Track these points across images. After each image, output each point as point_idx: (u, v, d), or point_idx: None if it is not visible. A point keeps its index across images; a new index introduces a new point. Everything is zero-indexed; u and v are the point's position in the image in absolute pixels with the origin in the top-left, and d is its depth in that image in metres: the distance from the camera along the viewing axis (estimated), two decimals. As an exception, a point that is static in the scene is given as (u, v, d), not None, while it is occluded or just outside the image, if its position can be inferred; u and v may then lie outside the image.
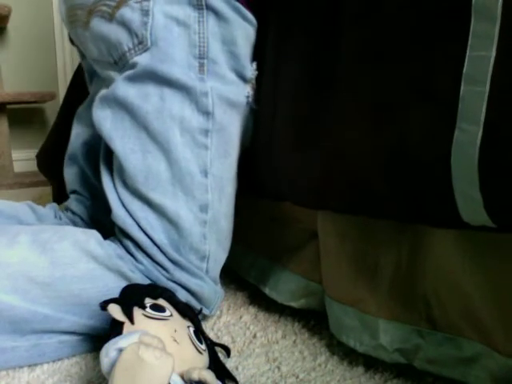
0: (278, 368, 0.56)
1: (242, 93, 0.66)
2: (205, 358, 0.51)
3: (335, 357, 0.59)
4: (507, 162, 0.36)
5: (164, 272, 0.62)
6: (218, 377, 0.48)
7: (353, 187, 0.49)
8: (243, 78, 0.66)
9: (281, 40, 0.62)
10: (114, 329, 0.49)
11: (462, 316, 0.48)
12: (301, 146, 0.56)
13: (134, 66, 0.63)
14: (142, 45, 0.63)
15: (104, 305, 0.51)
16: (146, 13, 0.62)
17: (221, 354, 0.57)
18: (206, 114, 0.63)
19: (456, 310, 0.48)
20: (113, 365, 0.41)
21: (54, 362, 0.58)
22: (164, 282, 0.62)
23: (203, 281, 0.64)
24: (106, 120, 0.64)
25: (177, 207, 0.62)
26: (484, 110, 0.37)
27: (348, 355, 0.59)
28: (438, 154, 0.40)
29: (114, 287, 0.57)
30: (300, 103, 0.57)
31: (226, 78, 0.64)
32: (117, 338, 0.45)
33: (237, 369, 0.56)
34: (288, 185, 0.59)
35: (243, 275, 0.81)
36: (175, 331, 0.50)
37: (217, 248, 0.66)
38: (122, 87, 0.63)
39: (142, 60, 0.62)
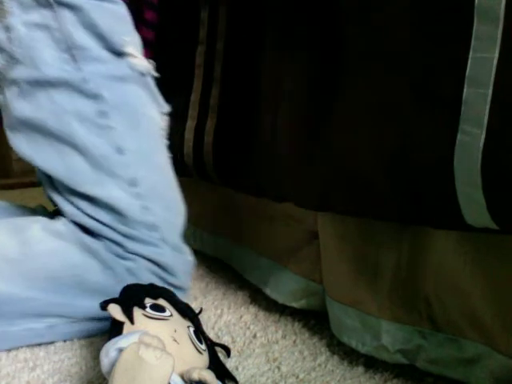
0: (278, 368, 0.56)
1: (125, 66, 0.68)
2: (205, 358, 0.51)
3: (335, 357, 0.59)
4: (511, 165, 0.36)
5: (119, 247, 0.65)
6: (218, 377, 0.48)
7: (356, 189, 0.49)
8: (118, 53, 0.68)
9: (283, 45, 0.62)
10: (114, 329, 0.49)
11: (463, 316, 0.48)
12: (303, 147, 0.56)
13: (14, 82, 0.65)
14: (13, 59, 0.66)
15: (104, 305, 0.51)
16: (7, 29, 0.65)
17: (221, 354, 0.57)
18: (95, 97, 0.66)
19: (457, 311, 0.48)
20: (113, 365, 0.41)
21: (54, 362, 0.58)
22: (124, 255, 0.65)
23: (160, 248, 0.67)
24: (21, 144, 0.68)
25: (107, 191, 0.66)
26: (487, 112, 0.37)
27: (348, 355, 0.59)
28: (441, 156, 0.40)
29: (79, 260, 0.64)
30: (303, 104, 0.57)
31: (102, 59, 0.67)
32: (117, 338, 0.45)
33: (237, 369, 0.56)
34: (290, 187, 0.59)
35: (244, 275, 0.81)
36: (175, 331, 0.50)
37: (166, 215, 0.69)
38: (18, 107, 0.66)
39: (20, 73, 0.65)
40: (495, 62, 0.36)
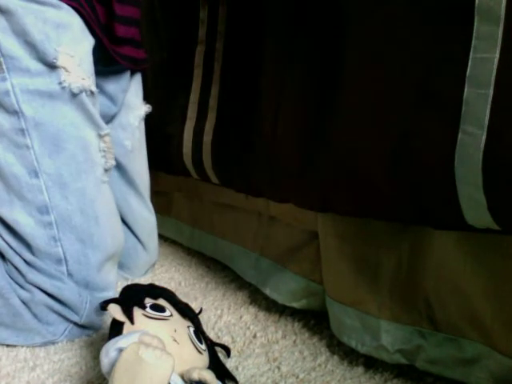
0: (278, 368, 0.56)
1: (55, 81, 0.62)
2: (205, 358, 0.51)
3: (335, 357, 0.59)
4: (511, 165, 0.36)
5: (20, 275, 0.62)
6: (218, 377, 0.48)
7: (356, 190, 0.49)
8: (49, 65, 0.62)
9: (283, 45, 0.62)
10: (114, 329, 0.49)
11: (462, 316, 0.48)
12: (304, 148, 0.56)
13: None
14: None
15: (104, 305, 0.51)
16: None
17: (221, 354, 0.57)
18: (15, 113, 0.61)
19: (457, 311, 0.48)
20: (113, 365, 0.41)
21: (54, 362, 0.58)
22: (23, 284, 0.62)
23: (64, 283, 0.63)
24: None
25: (13, 214, 0.62)
26: (488, 112, 0.37)
27: (348, 355, 0.59)
28: (441, 156, 0.40)
29: None
30: (303, 104, 0.57)
31: (32, 71, 0.61)
32: (117, 338, 0.45)
33: (237, 369, 0.56)
34: (290, 187, 0.59)
35: (243, 275, 0.81)
36: (175, 331, 0.50)
37: (80, 248, 0.65)
38: None
39: None
40: (496, 62, 0.36)
